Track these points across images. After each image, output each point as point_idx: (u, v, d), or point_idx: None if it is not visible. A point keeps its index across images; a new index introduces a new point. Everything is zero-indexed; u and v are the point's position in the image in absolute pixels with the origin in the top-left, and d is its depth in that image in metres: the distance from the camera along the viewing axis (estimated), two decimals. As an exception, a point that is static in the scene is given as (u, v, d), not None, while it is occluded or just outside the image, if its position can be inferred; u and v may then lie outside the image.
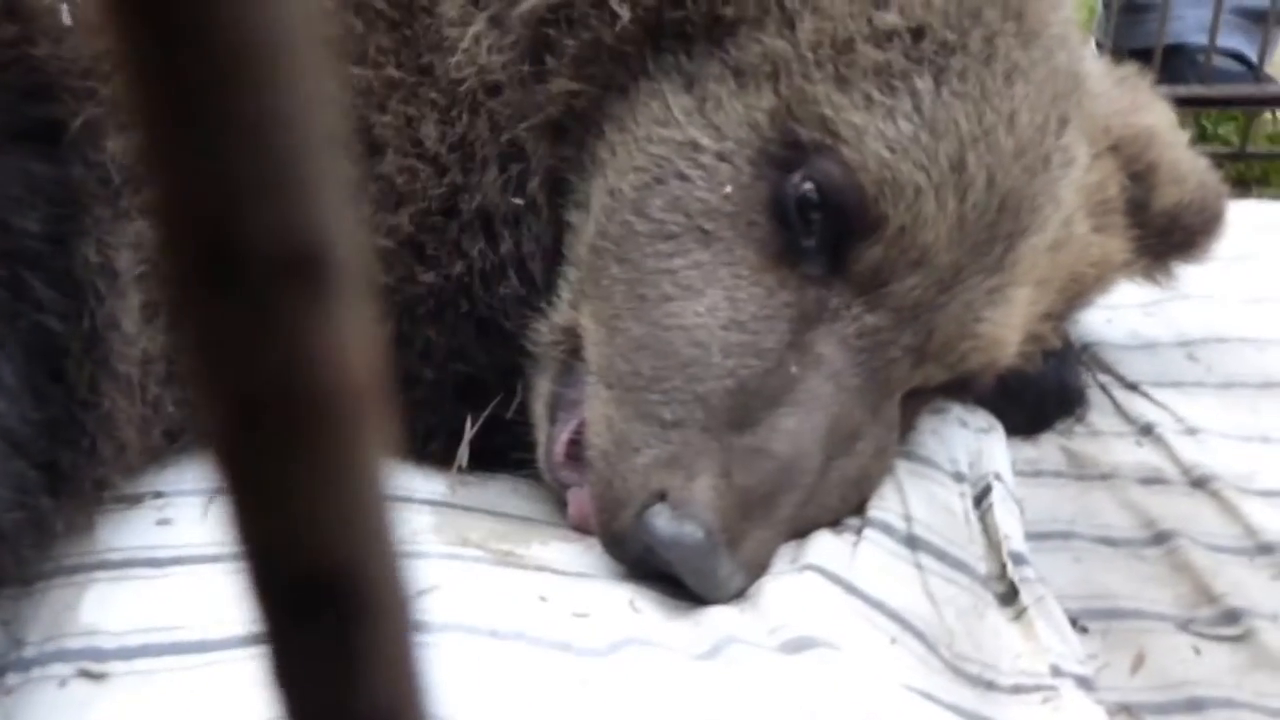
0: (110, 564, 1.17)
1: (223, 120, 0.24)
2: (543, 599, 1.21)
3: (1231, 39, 3.03)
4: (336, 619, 0.29)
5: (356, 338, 0.26)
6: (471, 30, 1.35)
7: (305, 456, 0.27)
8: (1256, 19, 3.03)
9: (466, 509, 1.36)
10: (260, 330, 0.25)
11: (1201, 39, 2.88)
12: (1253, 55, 2.98)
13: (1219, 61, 2.92)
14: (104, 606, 1.12)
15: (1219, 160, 2.18)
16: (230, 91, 0.24)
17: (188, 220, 0.25)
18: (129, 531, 1.21)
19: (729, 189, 1.30)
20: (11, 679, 1.07)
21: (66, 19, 1.17)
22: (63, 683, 1.05)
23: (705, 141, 1.31)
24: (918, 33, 1.29)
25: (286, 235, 0.25)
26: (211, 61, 0.24)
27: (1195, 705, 1.29)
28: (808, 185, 1.28)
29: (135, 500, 1.25)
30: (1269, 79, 2.96)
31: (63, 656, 1.08)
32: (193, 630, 1.10)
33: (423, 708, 0.31)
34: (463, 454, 1.41)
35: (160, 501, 1.26)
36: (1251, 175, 3.01)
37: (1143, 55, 2.64)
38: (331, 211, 0.25)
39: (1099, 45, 3.08)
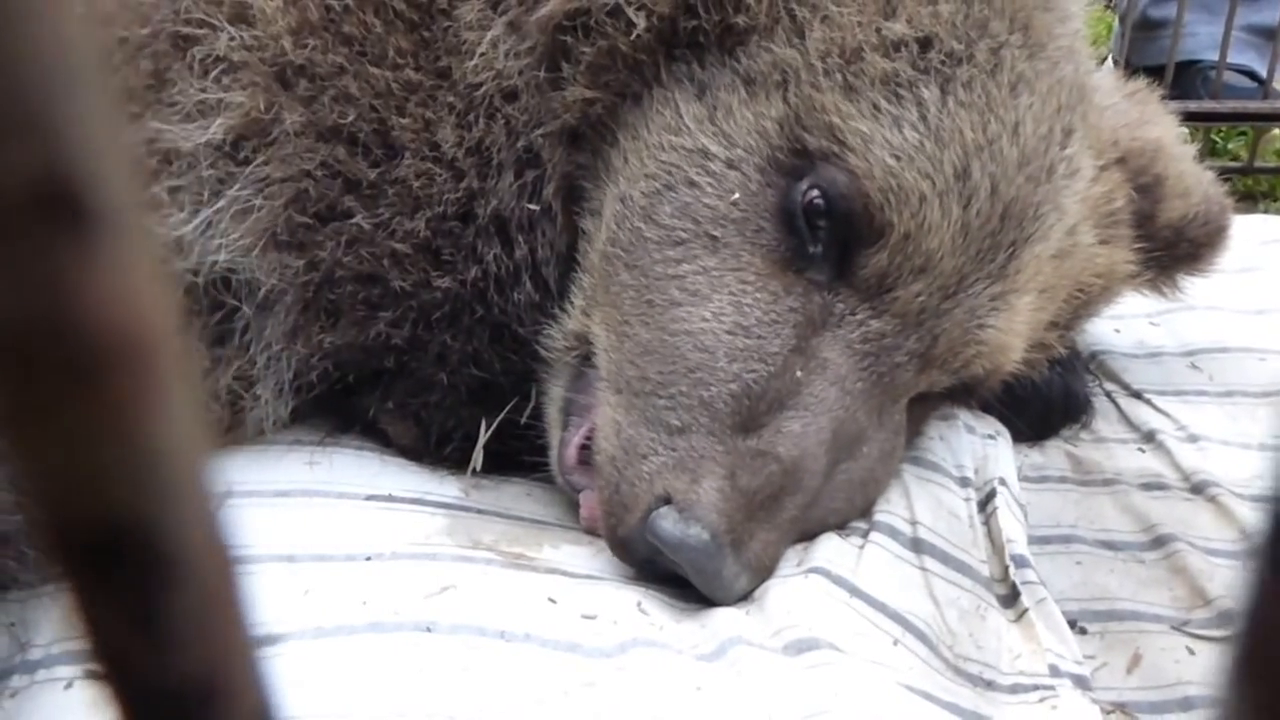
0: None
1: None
2: (552, 601, 1.23)
3: (1243, 55, 3.05)
4: (132, 579, 0.26)
5: (131, 276, 0.24)
6: (489, 35, 1.36)
7: (81, 401, 0.25)
8: (1268, 36, 3.05)
9: (480, 512, 1.38)
10: (12, 269, 0.23)
11: (1213, 55, 2.90)
12: (1263, 71, 3.00)
13: (1230, 77, 2.93)
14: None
15: (1227, 175, 2.20)
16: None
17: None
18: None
19: (737, 196, 1.31)
20: (16, 681, 1.07)
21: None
22: (68, 685, 1.06)
23: (715, 149, 1.32)
24: (925, 43, 1.31)
25: (36, 173, 0.23)
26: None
27: (1188, 704, 1.31)
28: (814, 193, 1.29)
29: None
30: (1278, 95, 2.98)
31: (68, 659, 1.08)
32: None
33: (247, 677, 0.28)
34: (477, 457, 1.42)
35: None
36: (1259, 190, 3.03)
37: (1156, 72, 2.66)
38: (91, 148, 0.24)
39: (1114, 62, 3.10)
